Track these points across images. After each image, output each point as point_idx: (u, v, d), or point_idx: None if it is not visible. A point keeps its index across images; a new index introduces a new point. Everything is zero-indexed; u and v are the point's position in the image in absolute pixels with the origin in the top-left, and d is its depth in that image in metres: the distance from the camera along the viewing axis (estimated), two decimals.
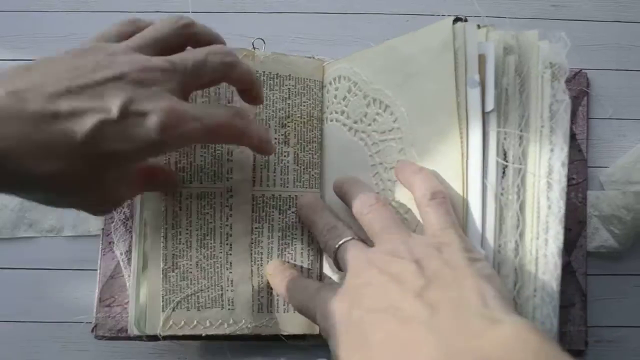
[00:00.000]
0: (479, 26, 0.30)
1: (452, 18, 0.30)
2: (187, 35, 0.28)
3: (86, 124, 0.23)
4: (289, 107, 0.36)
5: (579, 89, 0.40)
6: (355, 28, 0.42)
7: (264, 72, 0.35)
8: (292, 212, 0.35)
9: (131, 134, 0.23)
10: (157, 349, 0.38)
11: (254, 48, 0.36)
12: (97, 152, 0.23)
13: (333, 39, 0.42)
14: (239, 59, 0.28)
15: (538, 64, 0.29)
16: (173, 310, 0.33)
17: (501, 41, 0.29)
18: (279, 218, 0.35)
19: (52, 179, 0.23)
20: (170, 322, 0.32)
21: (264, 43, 0.38)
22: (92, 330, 0.36)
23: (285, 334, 0.34)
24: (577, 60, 0.40)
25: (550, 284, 0.27)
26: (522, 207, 0.28)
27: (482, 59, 0.29)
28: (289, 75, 0.36)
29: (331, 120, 0.36)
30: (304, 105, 0.36)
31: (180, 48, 0.28)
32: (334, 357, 0.25)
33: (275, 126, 0.36)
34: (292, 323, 0.34)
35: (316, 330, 0.34)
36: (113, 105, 0.23)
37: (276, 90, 0.36)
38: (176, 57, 0.26)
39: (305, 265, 0.35)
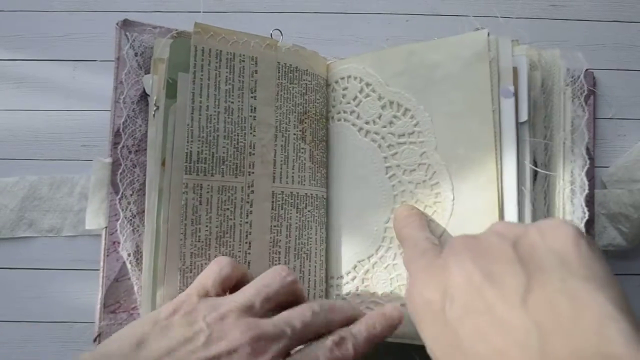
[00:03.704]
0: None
1: (486, 30, 0.32)
2: (293, 291, 0.29)
3: None
4: (306, 103, 0.36)
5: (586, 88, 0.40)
6: (355, 28, 0.42)
7: (285, 63, 0.35)
8: (309, 211, 0.35)
9: None
10: None
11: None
12: None
13: (333, 39, 0.42)
14: (339, 307, 0.29)
15: (560, 81, 0.32)
16: None
17: (527, 56, 0.31)
18: (297, 217, 0.35)
19: None
20: None
21: (282, 35, 0.37)
22: (95, 340, 0.33)
23: None
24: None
25: None
26: (550, 212, 0.31)
27: (514, 72, 0.31)
28: (307, 70, 0.36)
29: (338, 120, 0.36)
30: (318, 103, 0.36)
31: (284, 303, 0.29)
32: (427, 348, 0.24)
33: (294, 121, 0.35)
34: None
35: None
36: None
37: (295, 84, 0.35)
38: (283, 321, 0.27)
39: (318, 264, 0.35)
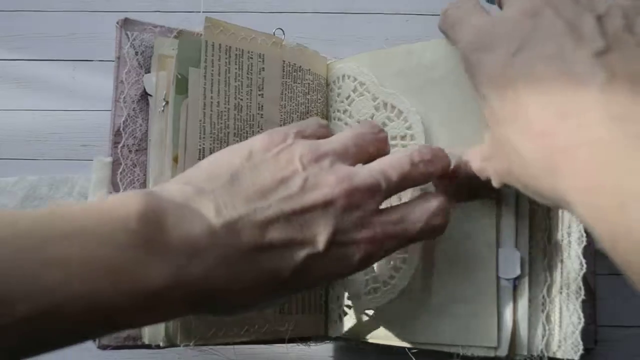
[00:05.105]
0: None
1: None
2: (383, 149, 0.27)
3: (295, 259, 0.22)
4: (308, 103, 0.36)
5: None
6: (355, 28, 0.42)
7: (289, 62, 0.35)
8: None
9: (333, 266, 0.23)
10: (158, 350, 0.37)
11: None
12: (298, 285, 0.23)
13: (333, 39, 0.42)
14: (439, 158, 0.27)
15: None
16: (198, 318, 0.30)
17: None
18: None
19: (248, 307, 0.23)
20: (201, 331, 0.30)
21: (284, 34, 0.37)
22: (95, 340, 0.32)
23: (306, 336, 0.34)
24: None
25: (575, 281, 0.28)
26: (547, 212, 0.30)
27: None
28: (309, 70, 0.36)
29: (334, 119, 0.36)
30: (319, 103, 0.36)
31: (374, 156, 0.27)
32: (481, 100, 0.23)
33: (297, 120, 0.35)
34: (309, 324, 0.34)
35: (321, 331, 0.34)
36: (320, 237, 0.22)
37: (299, 83, 0.35)
38: (379, 171, 0.25)
39: None
